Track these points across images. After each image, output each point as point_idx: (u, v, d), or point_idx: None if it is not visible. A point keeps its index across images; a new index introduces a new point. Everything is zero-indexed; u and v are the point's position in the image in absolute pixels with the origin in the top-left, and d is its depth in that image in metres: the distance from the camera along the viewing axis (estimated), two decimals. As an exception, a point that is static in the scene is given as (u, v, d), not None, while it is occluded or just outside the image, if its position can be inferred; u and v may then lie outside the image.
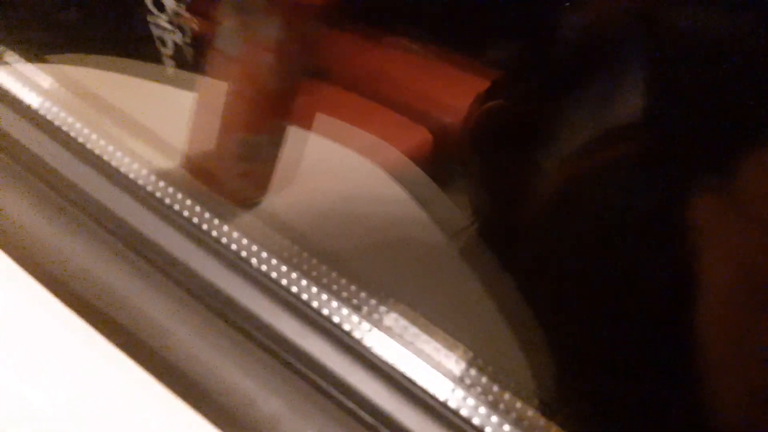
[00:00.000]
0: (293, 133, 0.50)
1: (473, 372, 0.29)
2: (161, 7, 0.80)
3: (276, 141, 0.42)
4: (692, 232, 0.35)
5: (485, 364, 0.30)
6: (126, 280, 0.33)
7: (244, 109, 0.39)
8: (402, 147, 1.27)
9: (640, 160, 0.42)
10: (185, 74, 0.74)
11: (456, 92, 1.49)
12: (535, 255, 0.49)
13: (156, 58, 0.75)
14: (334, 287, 0.33)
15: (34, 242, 0.34)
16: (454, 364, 0.30)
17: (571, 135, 0.50)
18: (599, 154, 0.44)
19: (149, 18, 0.81)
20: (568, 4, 0.48)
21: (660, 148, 0.41)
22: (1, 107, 0.38)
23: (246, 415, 0.28)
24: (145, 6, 0.77)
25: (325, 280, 0.34)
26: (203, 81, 0.42)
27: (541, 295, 0.47)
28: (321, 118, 0.58)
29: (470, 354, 0.30)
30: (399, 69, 1.48)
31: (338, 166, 0.57)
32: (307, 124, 0.53)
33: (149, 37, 0.75)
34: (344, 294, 0.34)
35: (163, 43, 0.78)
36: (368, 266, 0.44)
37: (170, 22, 0.81)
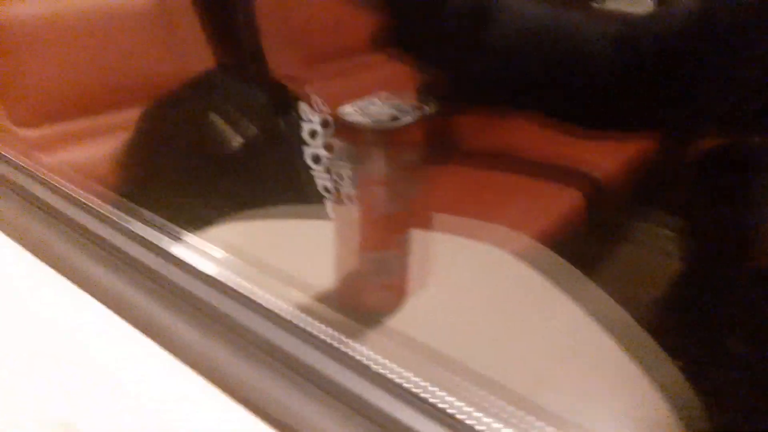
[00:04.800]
0: (425, 237, 0.53)
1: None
2: (317, 160, 0.92)
3: (403, 254, 0.46)
4: None
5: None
6: (300, 402, 0.37)
7: (368, 231, 0.44)
8: (555, 213, 1.25)
9: None
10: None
11: (606, 151, 1.46)
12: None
13: (312, 201, 0.85)
14: (485, 404, 0.34)
15: (226, 370, 0.40)
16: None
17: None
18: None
19: (310, 172, 0.92)
20: None
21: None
22: (183, 274, 0.47)
23: None
24: (303, 160, 0.88)
25: (475, 398, 0.35)
26: (338, 210, 0.48)
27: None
28: (449, 217, 0.61)
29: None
30: (538, 139, 1.49)
31: (473, 259, 0.58)
32: (437, 224, 0.56)
33: (308, 186, 0.85)
34: (494, 409, 0.34)
35: (324, 190, 0.88)
36: (515, 369, 0.44)
37: (327, 171, 0.91)
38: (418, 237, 0.47)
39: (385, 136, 0.41)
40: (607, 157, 1.48)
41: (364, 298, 0.47)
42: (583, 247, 1.23)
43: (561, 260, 0.58)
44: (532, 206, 1.27)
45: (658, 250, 1.33)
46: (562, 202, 1.31)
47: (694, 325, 0.69)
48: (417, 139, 0.42)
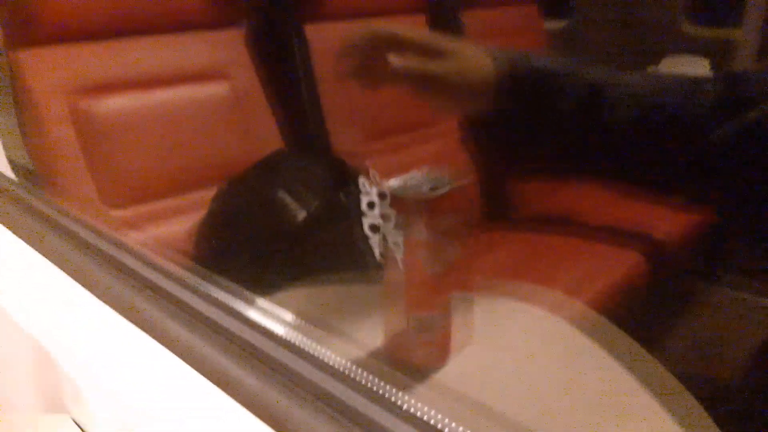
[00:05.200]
0: (471, 298, 0.56)
1: None
2: (375, 229, 0.98)
3: (446, 314, 0.49)
4: None
5: None
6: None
7: (411, 293, 0.48)
8: (615, 276, 1.22)
9: None
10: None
11: (665, 213, 1.42)
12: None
13: (369, 268, 0.90)
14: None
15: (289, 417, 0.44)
16: None
17: None
18: None
19: (368, 241, 0.97)
20: None
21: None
22: (258, 335, 0.52)
23: None
24: (362, 230, 0.94)
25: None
26: (389, 274, 0.52)
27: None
28: (505, 281, 0.63)
29: None
30: (596, 202, 1.47)
31: (523, 323, 0.60)
32: (490, 287, 0.59)
33: (366, 254, 0.90)
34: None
35: (380, 257, 0.94)
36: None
37: (383, 239, 0.96)
38: (463, 299, 0.50)
39: (424, 205, 0.46)
40: (671, 219, 1.46)
41: (411, 355, 0.51)
42: (643, 313, 1.21)
43: (615, 328, 0.58)
44: (591, 271, 1.27)
45: (729, 315, 1.28)
46: (623, 266, 1.30)
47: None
48: (456, 207, 0.47)
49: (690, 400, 0.48)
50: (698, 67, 1.98)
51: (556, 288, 1.12)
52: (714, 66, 1.95)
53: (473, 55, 0.53)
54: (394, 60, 0.53)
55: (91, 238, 0.67)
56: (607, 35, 2.16)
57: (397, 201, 0.48)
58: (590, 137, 0.54)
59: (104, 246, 0.66)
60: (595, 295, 1.17)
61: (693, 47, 2.01)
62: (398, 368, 0.48)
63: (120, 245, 0.68)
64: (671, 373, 0.52)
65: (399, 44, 0.53)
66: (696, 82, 0.54)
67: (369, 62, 0.53)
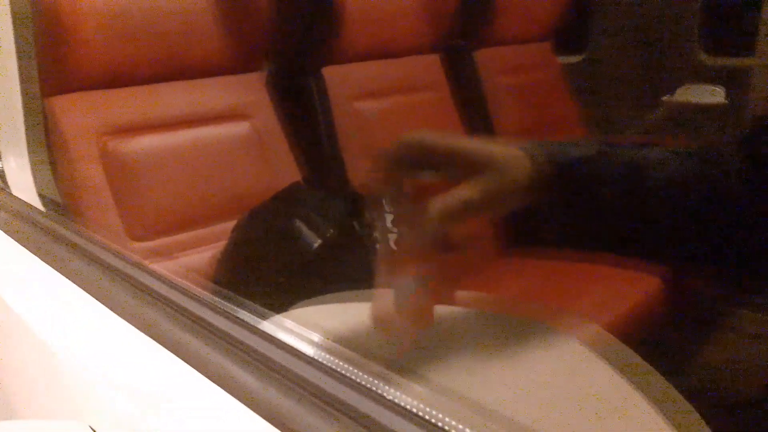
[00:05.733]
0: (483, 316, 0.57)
1: None
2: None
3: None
4: None
5: None
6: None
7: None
8: (633, 300, 1.21)
9: None
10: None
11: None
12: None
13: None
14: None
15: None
16: None
17: None
18: None
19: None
20: None
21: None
22: (285, 354, 0.54)
23: None
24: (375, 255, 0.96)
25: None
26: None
27: None
28: (524, 302, 0.64)
29: None
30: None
31: (535, 341, 0.60)
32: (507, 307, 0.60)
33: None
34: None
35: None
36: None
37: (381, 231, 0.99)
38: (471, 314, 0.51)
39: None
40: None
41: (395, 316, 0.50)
42: (661, 337, 1.19)
43: (628, 349, 0.58)
44: (608, 296, 1.27)
45: (750, 338, 1.25)
46: (641, 290, 1.30)
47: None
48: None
49: (697, 418, 0.48)
50: (713, 95, 1.99)
51: (574, 312, 1.12)
52: (728, 95, 1.96)
53: (509, 159, 0.49)
54: (429, 207, 0.47)
55: (114, 261, 0.71)
56: (621, 68, 2.19)
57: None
58: (631, 218, 0.53)
59: (125, 267, 0.70)
60: (612, 320, 1.16)
61: (708, 76, 2.03)
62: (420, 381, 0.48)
63: (140, 267, 0.71)
64: (682, 394, 0.52)
65: (428, 156, 0.49)
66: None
67: (398, 181, 0.49)
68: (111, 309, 0.67)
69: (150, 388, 0.59)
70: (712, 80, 2.02)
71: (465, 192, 0.46)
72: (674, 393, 0.51)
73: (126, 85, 1.15)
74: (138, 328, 0.64)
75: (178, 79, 1.22)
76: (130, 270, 0.70)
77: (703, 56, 2.08)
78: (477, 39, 1.84)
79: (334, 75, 1.46)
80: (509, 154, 0.49)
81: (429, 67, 1.68)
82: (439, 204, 0.46)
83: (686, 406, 0.49)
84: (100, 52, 1.10)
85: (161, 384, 0.58)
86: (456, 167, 0.47)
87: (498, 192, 0.48)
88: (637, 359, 0.57)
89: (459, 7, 1.76)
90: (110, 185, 1.06)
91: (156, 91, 1.19)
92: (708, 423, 0.46)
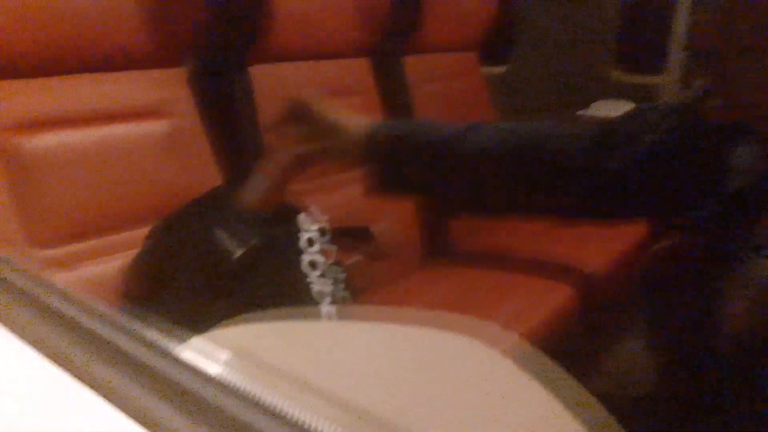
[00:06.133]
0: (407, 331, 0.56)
1: None
2: (315, 266, 0.97)
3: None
4: None
5: None
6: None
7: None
8: (548, 309, 1.26)
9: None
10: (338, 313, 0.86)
11: (598, 246, 1.48)
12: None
13: (307, 304, 0.89)
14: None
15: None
16: None
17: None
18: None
19: (306, 279, 0.97)
20: None
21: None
22: (187, 374, 0.51)
23: None
24: (299, 267, 0.94)
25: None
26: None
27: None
28: (440, 312, 0.63)
29: None
30: (531, 238, 1.52)
31: (451, 352, 0.60)
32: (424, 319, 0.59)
33: (303, 291, 0.90)
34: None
35: (318, 295, 0.93)
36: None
37: (322, 276, 0.96)
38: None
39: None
40: (599, 254, 1.52)
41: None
42: (574, 343, 1.24)
43: (544, 356, 0.60)
44: (524, 305, 1.30)
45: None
46: (554, 299, 1.34)
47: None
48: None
49: (606, 415, 0.51)
50: (624, 110, 2.09)
51: (492, 321, 1.14)
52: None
53: (349, 129, 0.69)
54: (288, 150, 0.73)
55: (9, 275, 0.64)
56: (541, 81, 2.27)
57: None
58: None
59: (27, 284, 0.64)
60: (528, 328, 1.19)
61: (620, 92, 2.13)
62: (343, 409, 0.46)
63: (47, 285, 0.65)
64: (592, 395, 0.54)
65: (306, 114, 0.72)
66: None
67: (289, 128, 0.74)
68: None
69: (50, 422, 0.54)
70: (625, 96, 2.13)
71: (312, 146, 0.71)
72: (589, 397, 0.53)
73: (28, 76, 1.06)
74: (35, 349, 0.58)
75: (89, 71, 1.13)
76: (26, 284, 0.64)
77: (617, 74, 2.19)
78: (406, 45, 1.84)
79: (261, 74, 1.41)
80: (351, 126, 0.69)
81: (358, 70, 1.66)
82: (294, 150, 0.71)
83: (600, 408, 0.51)
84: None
85: (61, 417, 0.53)
86: (317, 125, 0.70)
87: (334, 150, 0.70)
88: (554, 366, 0.59)
89: (390, 13, 1.76)
90: (10, 185, 0.97)
91: (65, 84, 1.10)
92: (619, 421, 0.48)
